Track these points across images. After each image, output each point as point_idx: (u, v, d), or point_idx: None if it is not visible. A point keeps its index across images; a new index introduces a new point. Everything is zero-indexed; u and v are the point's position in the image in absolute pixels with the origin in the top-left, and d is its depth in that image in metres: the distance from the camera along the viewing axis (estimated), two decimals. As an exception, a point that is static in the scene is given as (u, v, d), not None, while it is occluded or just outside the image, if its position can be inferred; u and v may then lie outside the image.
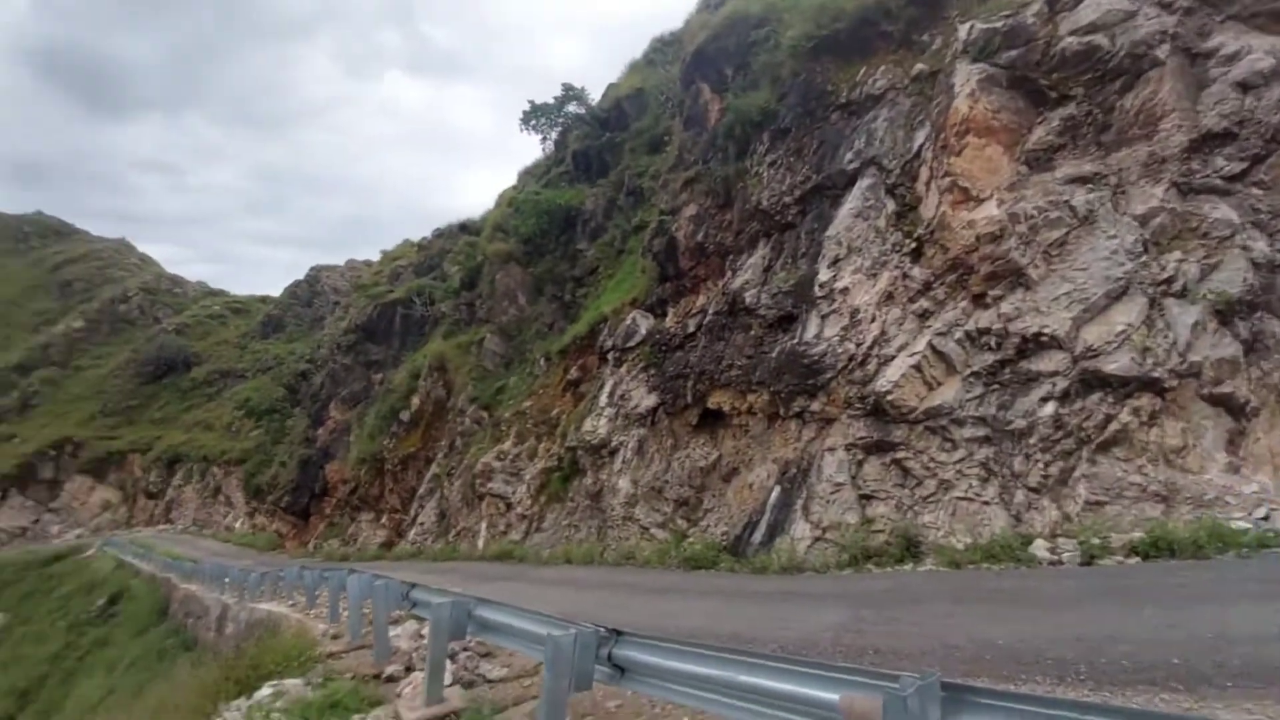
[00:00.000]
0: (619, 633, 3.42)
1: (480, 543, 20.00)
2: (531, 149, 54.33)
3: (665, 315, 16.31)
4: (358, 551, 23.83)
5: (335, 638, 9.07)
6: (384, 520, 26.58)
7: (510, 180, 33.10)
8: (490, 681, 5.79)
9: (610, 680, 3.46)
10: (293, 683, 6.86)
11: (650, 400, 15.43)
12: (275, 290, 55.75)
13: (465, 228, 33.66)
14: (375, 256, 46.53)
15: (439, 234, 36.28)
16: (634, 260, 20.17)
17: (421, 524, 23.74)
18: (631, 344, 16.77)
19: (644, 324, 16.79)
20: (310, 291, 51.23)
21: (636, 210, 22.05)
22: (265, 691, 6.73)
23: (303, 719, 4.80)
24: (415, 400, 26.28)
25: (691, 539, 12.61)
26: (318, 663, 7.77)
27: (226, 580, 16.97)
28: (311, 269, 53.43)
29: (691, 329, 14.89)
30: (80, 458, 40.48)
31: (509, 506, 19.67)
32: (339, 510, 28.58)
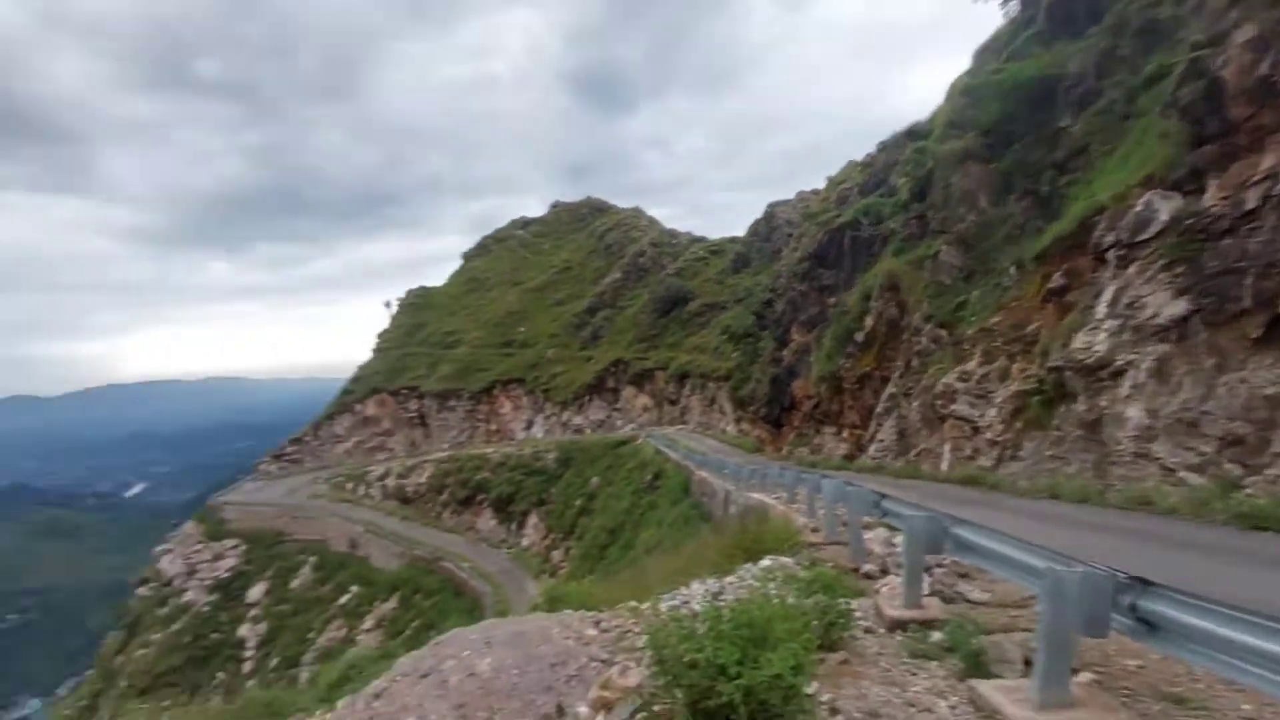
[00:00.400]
0: (1146, 582, 3.02)
1: (943, 465, 19.31)
2: (989, 19, 45.68)
3: (1202, 191, 12.01)
4: (823, 460, 25.94)
5: (814, 531, 10.38)
6: (844, 434, 28.17)
7: (963, 65, 28.74)
8: (970, 602, 5.81)
9: (1133, 635, 3.08)
10: (785, 560, 8.24)
11: (1176, 307, 11.83)
12: (740, 230, 63.25)
13: (912, 134, 31.13)
14: (822, 184, 47.54)
15: (883, 147, 34.59)
16: (1145, 125, 15.28)
17: (881, 441, 24.22)
18: (1145, 236, 13.01)
19: (1165, 207, 12.75)
20: (768, 227, 56.27)
21: (1149, 56, 16.47)
22: (766, 562, 8.30)
23: (800, 590, 5.81)
24: (868, 321, 26.45)
25: (1250, 490, 9.45)
26: (802, 549, 9.09)
27: (726, 471, 21.09)
28: (768, 206, 58.35)
29: (1250, 204, 10.62)
30: (627, 373, 55.96)
31: (975, 430, 18.30)
32: (805, 423, 31.57)
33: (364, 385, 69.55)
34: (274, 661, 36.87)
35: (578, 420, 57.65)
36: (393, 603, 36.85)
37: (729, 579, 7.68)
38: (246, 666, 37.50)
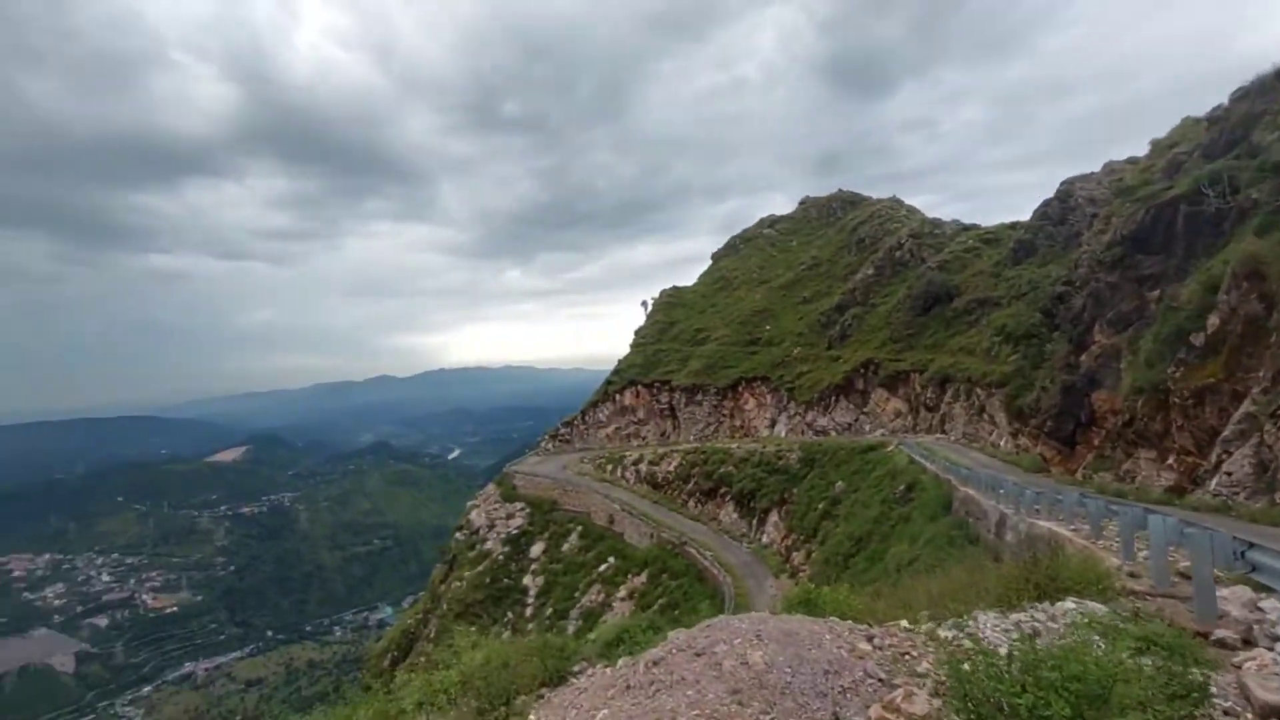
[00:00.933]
0: None
1: (1338, 514, 14.44)
2: None
3: None
4: (1136, 490, 21.31)
5: (1133, 576, 8.73)
6: (1170, 461, 22.78)
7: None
8: (1400, 706, 4.39)
9: None
10: (1095, 606, 7.07)
11: None
12: (1023, 214, 54.54)
13: (1292, 71, 23.68)
14: (1140, 151, 38.76)
15: (1240, 95, 26.92)
16: None
17: (1228, 474, 19.10)
18: None
19: None
20: (1062, 208, 47.58)
21: None
22: (1068, 604, 7.20)
23: (1127, 647, 4.95)
24: (1213, 319, 21.01)
25: None
26: (1118, 596, 7.71)
27: (1001, 491, 18.54)
28: (1062, 184, 49.20)
29: None
30: (878, 375, 52.26)
31: (1402, 472, 13.34)
32: (1110, 443, 26.25)
33: (623, 377, 76.28)
34: (548, 611, 42.79)
35: (822, 421, 55.72)
36: (643, 578, 40.00)
37: (1019, 616, 6.89)
38: (528, 611, 44.16)
